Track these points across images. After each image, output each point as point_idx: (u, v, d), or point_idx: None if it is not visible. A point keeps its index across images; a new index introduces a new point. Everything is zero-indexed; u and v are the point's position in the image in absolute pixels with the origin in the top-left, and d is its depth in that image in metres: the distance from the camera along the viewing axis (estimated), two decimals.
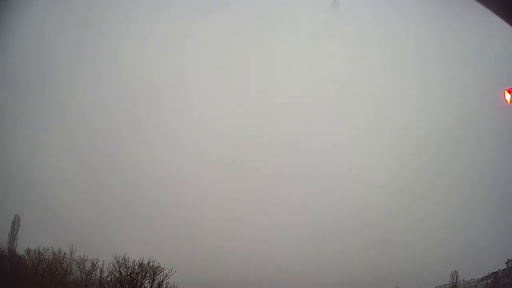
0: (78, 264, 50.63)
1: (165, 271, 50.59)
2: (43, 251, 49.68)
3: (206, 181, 54.31)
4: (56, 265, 49.23)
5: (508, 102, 15.26)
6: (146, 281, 51.36)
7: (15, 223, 50.52)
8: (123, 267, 50.76)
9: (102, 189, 52.81)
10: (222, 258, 51.96)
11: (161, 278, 50.99)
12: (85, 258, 50.41)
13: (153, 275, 51.11)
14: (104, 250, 49.48)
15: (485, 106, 46.52)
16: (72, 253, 50.63)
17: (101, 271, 50.98)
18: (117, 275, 50.72)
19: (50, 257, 49.74)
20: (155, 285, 51.26)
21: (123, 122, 55.51)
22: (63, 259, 50.25)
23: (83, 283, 50.29)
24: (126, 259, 50.54)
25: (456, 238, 49.46)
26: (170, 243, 52.00)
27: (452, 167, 51.58)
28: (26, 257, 50.42)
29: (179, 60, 55.08)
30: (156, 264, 50.81)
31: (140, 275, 51.12)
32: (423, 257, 49.70)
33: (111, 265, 50.55)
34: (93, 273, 50.86)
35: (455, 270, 51.71)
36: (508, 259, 50.49)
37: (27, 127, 52.28)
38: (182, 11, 54.32)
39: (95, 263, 50.72)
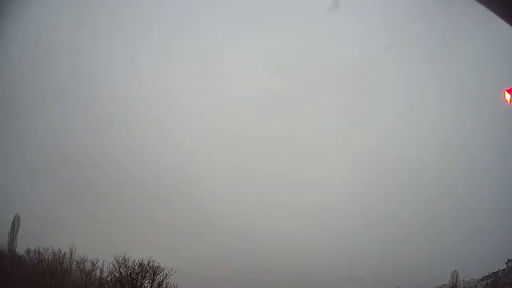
0: (78, 264, 50.73)
1: (165, 271, 50.75)
2: (43, 251, 49.83)
3: (207, 180, 54.34)
4: (56, 265, 49.19)
5: (508, 102, 15.26)
6: (146, 281, 51.42)
7: (15, 223, 50.66)
8: (123, 267, 50.79)
9: (102, 189, 52.79)
10: (222, 258, 52.05)
11: (161, 278, 51.11)
12: (85, 258, 50.55)
13: (153, 275, 51.14)
14: (104, 250, 49.60)
15: (485, 106, 46.62)
16: (72, 253, 50.75)
17: (101, 271, 51.10)
18: (117, 275, 50.74)
19: (50, 257, 49.83)
20: (155, 285, 51.29)
21: (123, 122, 55.50)
22: (63, 259, 50.29)
23: (83, 283, 50.29)
24: (126, 259, 50.61)
25: (456, 238, 49.51)
26: (170, 243, 52.08)
27: (452, 167, 51.55)
28: (26, 257, 50.61)
29: (171, 62, 55.09)
30: (156, 264, 50.94)
31: (140, 275, 51.13)
32: (423, 257, 49.76)
33: (111, 265, 50.66)
34: (93, 273, 50.91)
35: (455, 270, 51.79)
36: (508, 259, 50.56)
37: (26, 126, 52.31)
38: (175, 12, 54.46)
39: (95, 263, 50.80)
